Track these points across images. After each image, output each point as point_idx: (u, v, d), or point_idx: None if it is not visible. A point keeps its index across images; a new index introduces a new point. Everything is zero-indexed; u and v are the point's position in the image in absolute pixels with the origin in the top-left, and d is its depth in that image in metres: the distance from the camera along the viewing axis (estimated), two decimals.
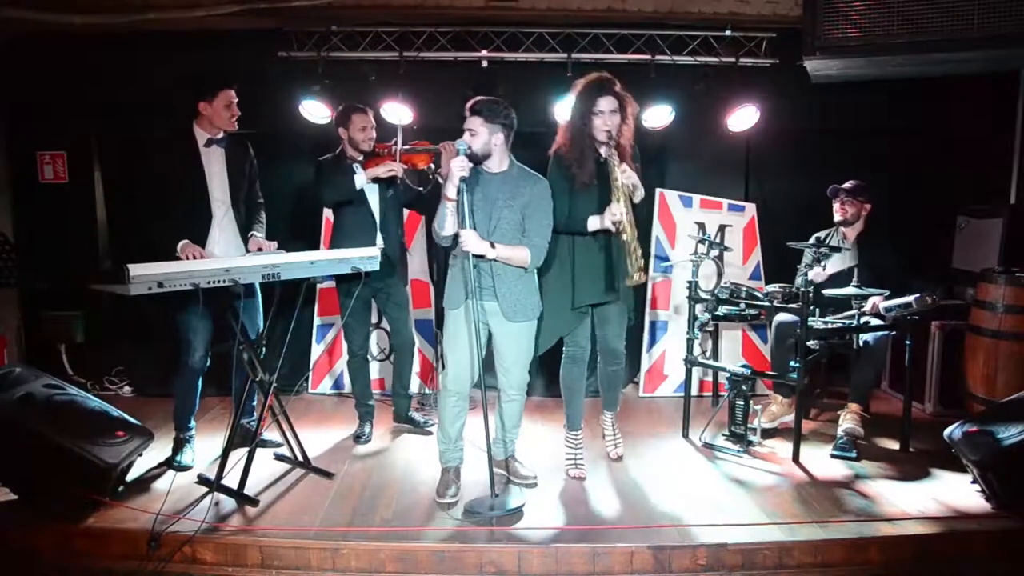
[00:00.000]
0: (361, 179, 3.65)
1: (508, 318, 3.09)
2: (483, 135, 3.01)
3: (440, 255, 4.84)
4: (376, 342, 4.65)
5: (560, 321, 3.35)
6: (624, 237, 3.15)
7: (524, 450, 3.59)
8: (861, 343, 3.79)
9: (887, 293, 3.69)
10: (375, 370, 4.61)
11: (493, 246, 2.99)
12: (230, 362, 3.30)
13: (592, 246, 3.31)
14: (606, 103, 3.17)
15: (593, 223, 3.19)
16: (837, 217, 4.05)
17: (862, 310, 3.67)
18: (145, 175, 3.54)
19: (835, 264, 4.01)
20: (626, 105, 3.23)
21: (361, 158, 3.74)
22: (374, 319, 4.40)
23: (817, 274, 3.87)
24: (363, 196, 3.72)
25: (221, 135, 3.42)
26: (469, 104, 3.06)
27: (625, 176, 3.14)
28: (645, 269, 4.54)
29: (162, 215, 3.33)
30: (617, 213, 3.11)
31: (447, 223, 3.02)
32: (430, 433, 3.96)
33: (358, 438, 3.92)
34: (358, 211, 3.75)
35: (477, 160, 3.03)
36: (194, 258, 3.20)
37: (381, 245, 3.74)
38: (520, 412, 3.34)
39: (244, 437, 3.55)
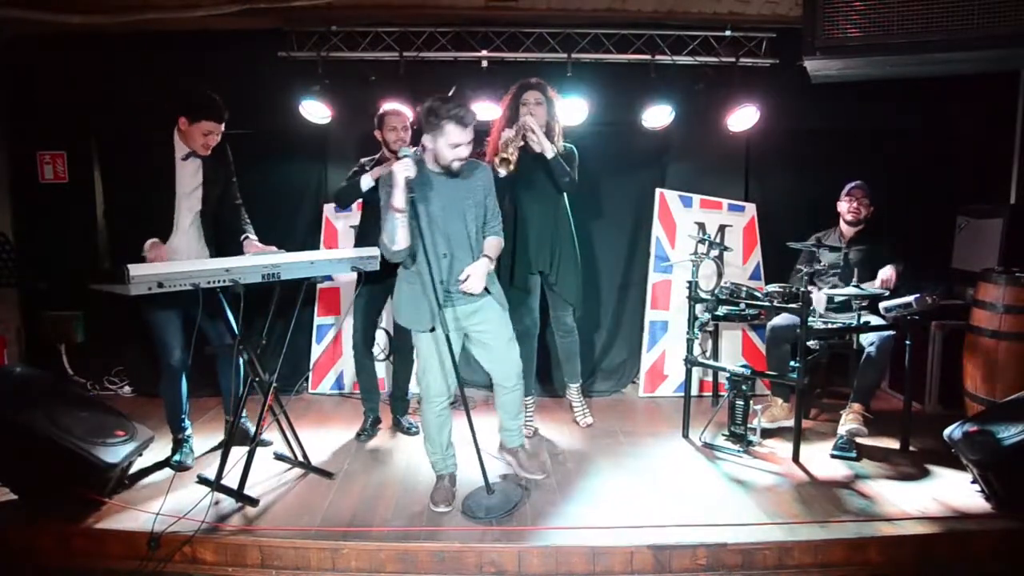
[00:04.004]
0: (367, 181, 3.68)
1: (503, 306, 3.11)
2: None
3: None
4: (376, 342, 4.64)
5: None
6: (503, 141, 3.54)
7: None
8: (867, 345, 3.80)
9: (887, 293, 3.69)
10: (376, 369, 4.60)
11: (491, 259, 2.98)
12: (227, 363, 3.32)
13: (524, 224, 3.77)
14: (531, 96, 3.66)
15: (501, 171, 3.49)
16: (849, 217, 4.05)
17: (876, 288, 3.67)
18: (121, 175, 3.53)
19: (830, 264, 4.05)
20: (551, 98, 3.71)
21: (394, 159, 3.76)
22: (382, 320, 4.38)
23: (819, 300, 3.86)
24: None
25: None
26: (460, 115, 2.79)
27: (529, 120, 3.58)
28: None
29: (132, 217, 3.36)
30: (507, 133, 3.55)
31: (399, 235, 2.84)
32: (416, 432, 3.94)
33: (360, 436, 3.95)
34: (376, 212, 3.76)
35: (454, 172, 2.92)
36: (154, 260, 3.16)
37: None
38: (521, 400, 3.29)
39: (242, 437, 3.56)
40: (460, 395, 3.00)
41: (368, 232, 3.83)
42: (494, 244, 3.07)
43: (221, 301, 3.32)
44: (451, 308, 3.03)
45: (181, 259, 3.33)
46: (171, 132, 3.35)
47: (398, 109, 3.84)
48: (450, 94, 2.85)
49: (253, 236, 3.56)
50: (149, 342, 3.47)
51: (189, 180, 3.40)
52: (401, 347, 4.01)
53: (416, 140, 3.79)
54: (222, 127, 3.35)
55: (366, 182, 3.69)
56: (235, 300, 3.13)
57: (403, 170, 2.77)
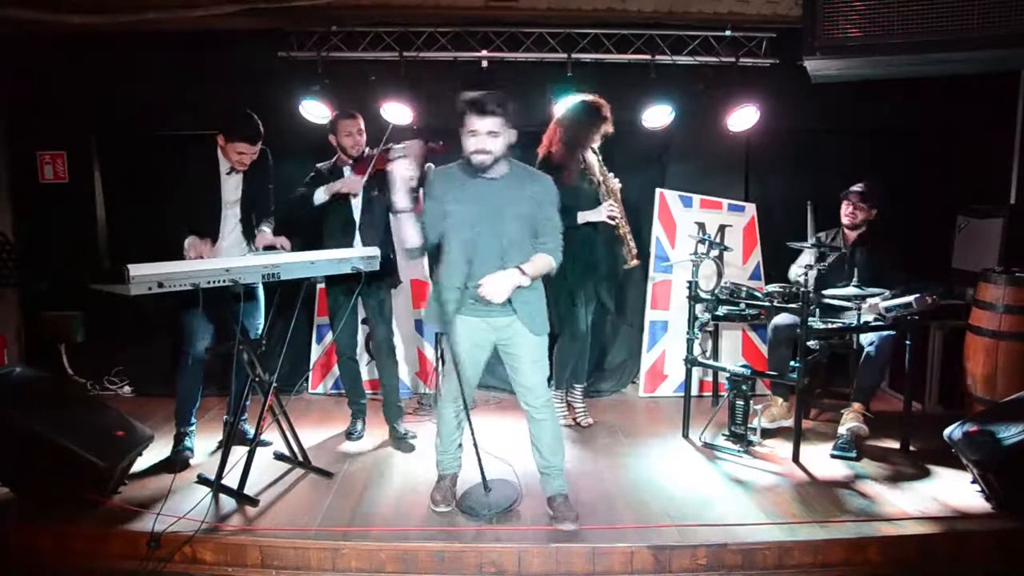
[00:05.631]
0: (321, 196, 3.67)
1: (534, 332, 2.88)
2: (503, 137, 2.69)
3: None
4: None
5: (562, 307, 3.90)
6: (621, 231, 3.91)
7: (524, 450, 3.57)
8: (867, 344, 3.79)
9: (887, 293, 3.69)
10: (368, 370, 4.61)
11: (523, 272, 2.74)
12: (230, 362, 3.32)
13: (584, 241, 3.84)
14: (605, 130, 3.82)
15: (582, 216, 3.78)
16: (845, 221, 4.05)
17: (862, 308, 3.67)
18: (162, 178, 3.57)
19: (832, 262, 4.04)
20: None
21: (351, 162, 3.76)
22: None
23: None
24: (346, 199, 3.73)
25: None
26: (476, 101, 2.65)
27: (614, 181, 3.92)
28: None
29: (172, 218, 3.38)
30: (615, 209, 3.82)
31: (406, 233, 2.79)
32: (412, 448, 3.82)
33: (349, 435, 3.95)
34: (338, 213, 3.75)
35: (486, 168, 2.71)
36: (200, 256, 3.23)
37: (359, 247, 3.73)
38: (556, 434, 3.01)
39: (240, 437, 3.56)
40: (462, 399, 2.95)
41: (333, 234, 3.76)
42: (538, 261, 2.81)
43: (259, 299, 3.46)
44: (482, 318, 2.88)
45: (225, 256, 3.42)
46: (215, 149, 3.42)
47: (351, 112, 3.79)
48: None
49: (267, 229, 3.59)
50: (150, 339, 3.48)
51: (232, 192, 3.50)
52: (377, 346, 3.98)
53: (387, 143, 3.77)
54: (256, 148, 3.39)
55: (319, 196, 3.66)
56: (235, 300, 3.14)
57: (402, 170, 2.72)
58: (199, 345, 3.44)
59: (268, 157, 3.57)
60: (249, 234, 3.59)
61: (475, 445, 3.01)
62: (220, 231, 3.48)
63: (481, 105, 2.64)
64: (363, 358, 4.57)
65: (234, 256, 3.45)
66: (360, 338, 4.30)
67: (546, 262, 2.84)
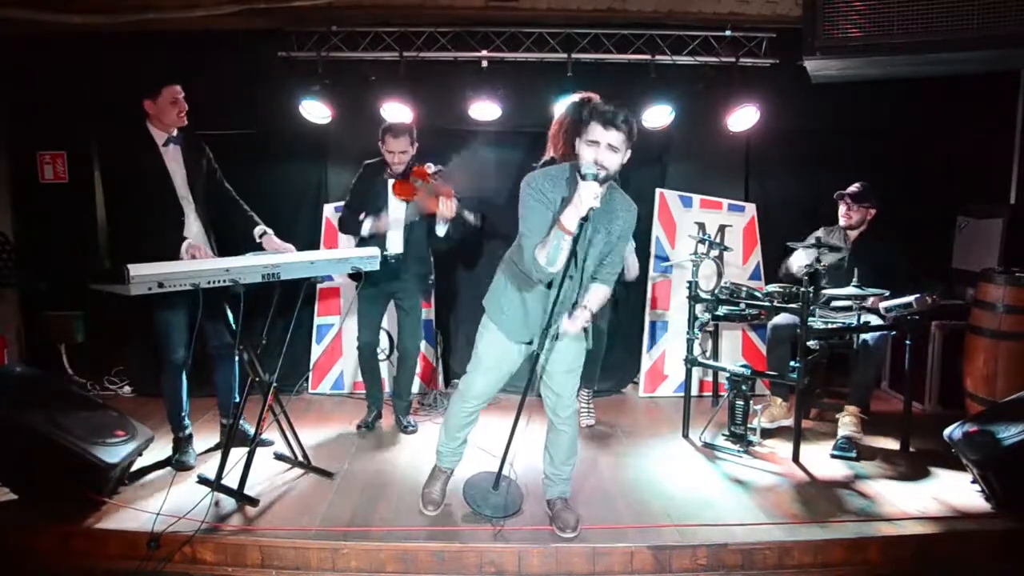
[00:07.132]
0: (368, 228, 3.82)
1: (583, 342, 2.85)
2: (621, 155, 2.54)
3: (437, 256, 4.83)
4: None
5: None
6: None
7: (526, 451, 3.58)
8: (861, 343, 3.80)
9: (887, 293, 3.69)
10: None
11: (591, 310, 2.70)
12: (218, 362, 3.31)
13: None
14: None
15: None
16: (842, 221, 4.06)
17: (862, 306, 3.67)
18: (111, 179, 3.53)
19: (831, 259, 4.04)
20: None
21: (394, 177, 3.83)
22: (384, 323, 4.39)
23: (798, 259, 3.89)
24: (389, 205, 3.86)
25: (176, 133, 3.40)
26: (604, 110, 2.50)
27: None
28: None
29: (134, 217, 3.36)
30: None
31: (561, 258, 2.50)
32: (416, 429, 4.07)
33: (359, 427, 4.02)
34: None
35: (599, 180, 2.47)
36: (195, 257, 3.22)
37: (400, 250, 3.86)
38: (572, 445, 2.95)
39: (240, 438, 3.56)
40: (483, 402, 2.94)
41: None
42: (600, 295, 2.74)
43: (221, 301, 3.33)
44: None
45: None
46: (145, 126, 3.37)
47: (400, 128, 3.79)
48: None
49: (271, 231, 3.54)
50: (151, 339, 3.46)
51: (177, 168, 3.42)
52: (403, 351, 4.06)
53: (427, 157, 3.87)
54: (180, 88, 3.37)
55: (366, 229, 3.82)
56: (235, 300, 3.13)
57: (592, 200, 2.42)
58: (179, 352, 3.39)
59: (201, 140, 3.54)
60: (207, 224, 3.51)
61: (508, 444, 2.87)
62: (183, 212, 3.39)
63: (610, 116, 2.48)
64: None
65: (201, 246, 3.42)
66: (383, 337, 4.31)
67: (605, 294, 2.78)
